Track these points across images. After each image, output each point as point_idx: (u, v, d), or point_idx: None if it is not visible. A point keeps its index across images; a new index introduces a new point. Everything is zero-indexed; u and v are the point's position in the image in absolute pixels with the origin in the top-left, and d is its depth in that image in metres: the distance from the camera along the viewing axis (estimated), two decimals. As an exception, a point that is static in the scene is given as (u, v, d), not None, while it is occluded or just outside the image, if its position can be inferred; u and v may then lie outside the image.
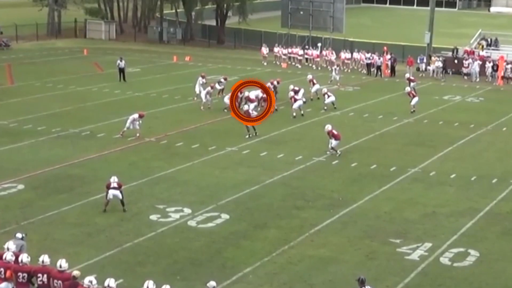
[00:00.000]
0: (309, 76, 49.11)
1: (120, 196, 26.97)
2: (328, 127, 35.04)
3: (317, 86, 47.62)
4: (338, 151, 34.84)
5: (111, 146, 35.75)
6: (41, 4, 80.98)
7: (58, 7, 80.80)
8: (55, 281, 18.56)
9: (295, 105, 42.73)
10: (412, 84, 48.80)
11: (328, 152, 34.89)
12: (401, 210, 28.00)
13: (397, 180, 31.62)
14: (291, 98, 43.16)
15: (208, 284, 18.43)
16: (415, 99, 44.72)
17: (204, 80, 46.38)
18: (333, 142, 34.79)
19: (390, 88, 52.33)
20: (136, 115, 37.21)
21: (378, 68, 59.73)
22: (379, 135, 39.12)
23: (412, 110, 44.40)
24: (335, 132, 34.86)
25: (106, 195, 26.95)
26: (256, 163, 33.71)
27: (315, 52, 64.09)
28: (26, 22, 77.15)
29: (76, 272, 18.61)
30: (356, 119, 42.99)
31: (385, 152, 35.88)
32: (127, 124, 37.12)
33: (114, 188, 26.87)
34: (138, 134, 36.94)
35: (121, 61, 53.79)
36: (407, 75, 52.45)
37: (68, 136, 37.53)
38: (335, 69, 55.12)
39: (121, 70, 53.52)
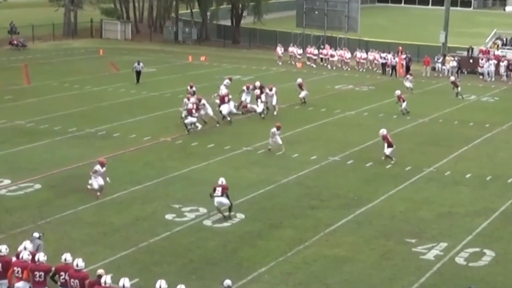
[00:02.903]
0: (299, 80, 47.30)
1: (225, 202, 26.37)
2: (383, 131, 34.29)
3: (305, 92, 46.16)
4: (393, 158, 33.82)
5: (126, 146, 35.89)
6: (58, 5, 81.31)
7: (74, 7, 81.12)
8: (72, 280, 18.70)
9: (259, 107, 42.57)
10: (458, 88, 48.80)
11: (383, 158, 33.97)
12: (416, 210, 28.00)
13: (412, 180, 31.61)
14: (256, 98, 43.03)
15: (223, 283, 18.54)
16: (404, 104, 44.11)
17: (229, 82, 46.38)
18: (387, 150, 33.87)
19: (405, 88, 52.19)
20: (274, 129, 35.07)
21: (393, 67, 59.69)
22: (394, 135, 38.90)
23: (407, 111, 43.90)
24: (389, 138, 34.06)
25: (211, 196, 26.57)
26: (271, 162, 33.76)
27: (332, 52, 64.01)
28: (42, 22, 77.50)
29: (100, 271, 18.75)
30: (371, 119, 42.95)
31: (400, 151, 35.75)
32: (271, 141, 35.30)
33: (216, 196, 26.26)
34: (283, 149, 35.16)
35: (138, 64, 53.66)
36: (452, 78, 51.48)
37: (84, 136, 37.70)
38: (408, 78, 52.42)
39: (138, 73, 53.52)
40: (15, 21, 76.80)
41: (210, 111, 40.21)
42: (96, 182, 28.12)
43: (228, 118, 40.97)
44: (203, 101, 40.04)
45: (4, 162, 33.02)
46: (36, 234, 21.29)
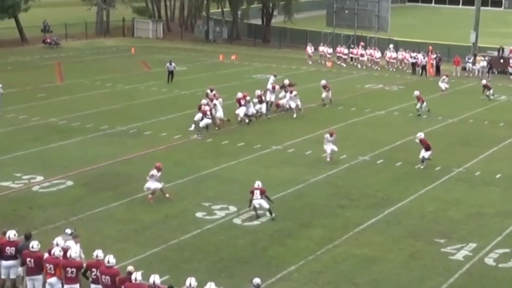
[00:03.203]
0: (323, 82, 46.41)
1: (265, 205, 26.47)
2: (421, 135, 33.79)
3: (329, 93, 45.48)
4: (424, 163, 33.15)
5: (157, 144, 36.17)
6: (90, 3, 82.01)
7: (106, 6, 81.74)
8: (103, 276, 18.96)
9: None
10: (490, 91, 48.16)
11: (423, 164, 33.26)
12: (445, 210, 27.99)
13: (441, 180, 31.58)
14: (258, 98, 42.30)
15: (253, 281, 18.68)
16: (424, 104, 43.53)
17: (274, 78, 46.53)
18: (426, 153, 33.14)
19: (435, 88, 51.96)
20: (327, 135, 33.68)
21: (423, 67, 59.52)
22: (424, 135, 38.95)
23: (418, 113, 43.56)
24: (427, 141, 33.41)
25: (250, 203, 26.79)
26: (301, 162, 33.87)
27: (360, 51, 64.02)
28: (75, 21, 78.19)
29: (130, 268, 19.01)
30: (400, 119, 42.91)
31: (430, 152, 35.84)
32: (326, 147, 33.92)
33: (256, 199, 26.47)
34: (328, 158, 33.70)
35: (170, 64, 53.65)
36: (484, 82, 50.27)
37: (116, 134, 38.05)
38: (444, 79, 51.00)
39: (171, 73, 53.54)
40: (48, 20, 77.57)
41: (219, 114, 39.49)
42: (153, 185, 28.01)
43: (247, 120, 40.43)
44: (215, 101, 39.66)
45: (37, 159, 33.45)
46: (68, 231, 21.58)
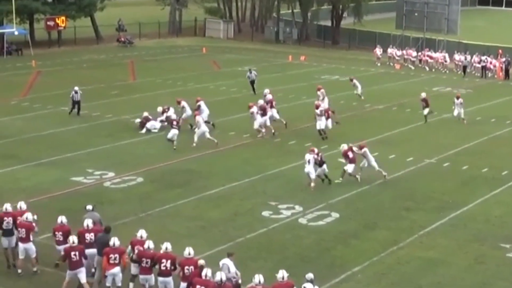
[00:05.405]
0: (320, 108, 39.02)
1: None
2: (344, 146, 31.33)
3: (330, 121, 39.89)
4: (357, 177, 31.03)
5: (226, 143, 36.63)
6: (164, 3, 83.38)
7: (179, 6, 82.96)
8: (186, 267, 19.50)
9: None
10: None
11: (340, 178, 31.14)
12: (512, 214, 27.90)
13: (509, 184, 31.32)
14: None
15: (306, 276, 18.92)
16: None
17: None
18: (348, 166, 30.99)
19: (503, 91, 51.55)
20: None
21: (483, 68, 59.09)
22: (492, 138, 38.79)
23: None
24: (350, 154, 31.07)
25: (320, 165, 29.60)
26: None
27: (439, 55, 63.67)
28: (149, 20, 79.60)
29: (202, 262, 19.52)
30: (468, 122, 42.63)
31: (497, 155, 35.56)
32: None
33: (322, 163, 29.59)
34: None
35: (250, 72, 50.20)
36: (423, 95, 43.70)
37: (186, 132, 38.57)
38: None
39: (252, 82, 50.15)
40: (123, 19, 79.07)
41: (187, 113, 39.17)
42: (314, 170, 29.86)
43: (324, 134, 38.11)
44: (183, 103, 39.27)
45: (109, 155, 34.32)
46: (89, 207, 22.21)
